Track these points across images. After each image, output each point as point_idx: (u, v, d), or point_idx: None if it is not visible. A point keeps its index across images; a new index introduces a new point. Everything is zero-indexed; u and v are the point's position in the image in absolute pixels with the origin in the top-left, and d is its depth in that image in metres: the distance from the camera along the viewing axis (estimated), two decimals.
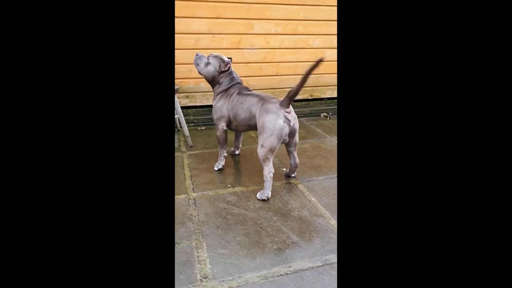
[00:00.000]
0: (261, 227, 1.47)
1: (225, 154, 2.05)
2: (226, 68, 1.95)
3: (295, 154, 1.88)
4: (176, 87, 2.36)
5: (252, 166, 2.11)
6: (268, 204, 1.66)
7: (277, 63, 3.20)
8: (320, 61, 1.48)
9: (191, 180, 1.91)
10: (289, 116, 1.66)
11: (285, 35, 3.12)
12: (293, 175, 1.96)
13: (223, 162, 2.05)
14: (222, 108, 1.93)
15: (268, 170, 1.68)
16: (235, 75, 2.00)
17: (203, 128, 2.90)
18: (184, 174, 1.98)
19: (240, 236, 1.40)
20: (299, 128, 2.00)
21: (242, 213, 1.58)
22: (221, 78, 1.97)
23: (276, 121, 1.65)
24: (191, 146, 2.42)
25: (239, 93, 1.90)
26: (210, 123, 2.96)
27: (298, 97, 3.46)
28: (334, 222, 1.51)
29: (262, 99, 1.77)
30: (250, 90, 1.96)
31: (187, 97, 3.00)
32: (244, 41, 3.00)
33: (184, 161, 2.16)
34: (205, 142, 2.53)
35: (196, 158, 2.22)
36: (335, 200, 1.70)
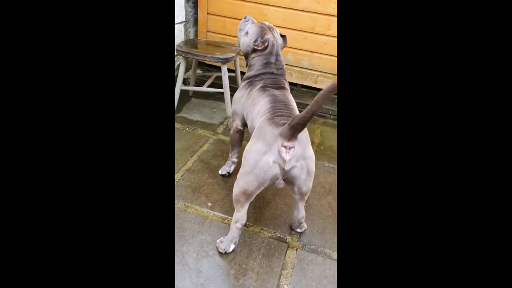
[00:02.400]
0: None
1: (235, 159, 1.57)
2: (259, 47, 1.36)
3: (300, 205, 1.23)
4: (227, 55, 1.90)
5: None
6: (220, 261, 1.16)
7: None
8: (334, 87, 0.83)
9: (182, 176, 1.57)
10: (286, 155, 1.01)
11: None
12: (298, 230, 1.32)
13: (231, 168, 1.59)
14: (239, 101, 1.41)
15: (236, 218, 1.14)
16: (273, 60, 1.39)
17: None
18: (185, 164, 1.64)
19: None
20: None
21: (176, 256, 1.16)
22: (252, 58, 1.40)
23: (261, 156, 1.04)
24: (230, 129, 2.02)
25: (262, 88, 1.31)
26: None
27: None
28: None
29: (272, 112, 1.14)
30: (282, 87, 1.32)
31: None
32: None
33: (203, 147, 1.81)
34: None
35: (220, 146, 1.83)
36: None
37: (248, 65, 1.45)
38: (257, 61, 1.40)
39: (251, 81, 1.39)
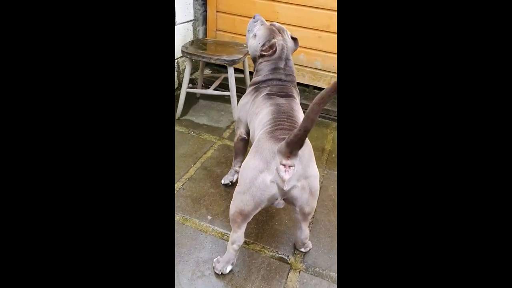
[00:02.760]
0: None
1: (237, 168, 1.48)
2: (266, 53, 1.26)
3: (303, 225, 1.13)
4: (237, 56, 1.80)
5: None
6: (216, 282, 1.09)
7: None
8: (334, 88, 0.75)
9: (182, 185, 1.50)
10: (285, 174, 0.92)
11: None
12: (302, 249, 1.23)
13: (234, 177, 1.50)
14: (243, 108, 1.32)
15: (233, 239, 1.06)
16: (282, 66, 1.28)
17: None
18: (187, 172, 1.58)
19: None
20: None
21: None
22: (260, 63, 1.31)
23: (258, 174, 0.94)
24: None
25: (267, 96, 1.21)
26: None
27: None
28: None
29: (273, 124, 1.04)
30: (289, 95, 1.22)
31: None
32: None
33: (207, 153, 1.74)
34: None
35: (225, 153, 1.75)
36: None
37: (255, 70, 1.36)
38: (264, 66, 1.30)
39: (257, 87, 1.30)
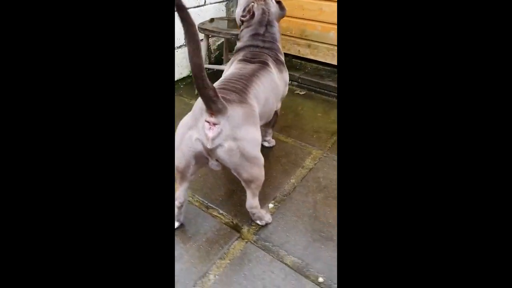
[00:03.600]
0: None
1: None
2: (245, 18, 1.24)
3: (248, 194, 1.09)
4: None
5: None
6: None
7: None
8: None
9: None
10: (209, 132, 0.90)
11: None
12: (258, 222, 1.18)
13: None
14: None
15: (175, 196, 1.09)
16: (262, 32, 1.25)
17: (303, 92, 2.19)
18: None
19: None
20: None
21: None
22: (242, 31, 1.30)
23: (187, 131, 0.95)
24: None
25: (238, 62, 1.21)
26: (315, 88, 2.18)
27: None
28: None
29: (219, 85, 1.04)
30: (262, 62, 1.19)
31: (309, 46, 2.26)
32: None
33: None
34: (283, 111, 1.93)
35: None
36: None
37: (238, 38, 1.35)
38: (245, 32, 1.29)
39: (236, 54, 1.29)
